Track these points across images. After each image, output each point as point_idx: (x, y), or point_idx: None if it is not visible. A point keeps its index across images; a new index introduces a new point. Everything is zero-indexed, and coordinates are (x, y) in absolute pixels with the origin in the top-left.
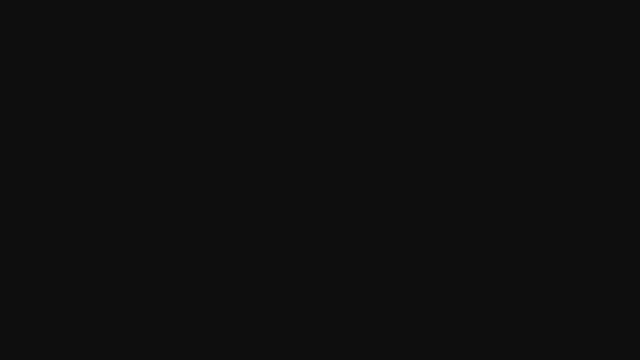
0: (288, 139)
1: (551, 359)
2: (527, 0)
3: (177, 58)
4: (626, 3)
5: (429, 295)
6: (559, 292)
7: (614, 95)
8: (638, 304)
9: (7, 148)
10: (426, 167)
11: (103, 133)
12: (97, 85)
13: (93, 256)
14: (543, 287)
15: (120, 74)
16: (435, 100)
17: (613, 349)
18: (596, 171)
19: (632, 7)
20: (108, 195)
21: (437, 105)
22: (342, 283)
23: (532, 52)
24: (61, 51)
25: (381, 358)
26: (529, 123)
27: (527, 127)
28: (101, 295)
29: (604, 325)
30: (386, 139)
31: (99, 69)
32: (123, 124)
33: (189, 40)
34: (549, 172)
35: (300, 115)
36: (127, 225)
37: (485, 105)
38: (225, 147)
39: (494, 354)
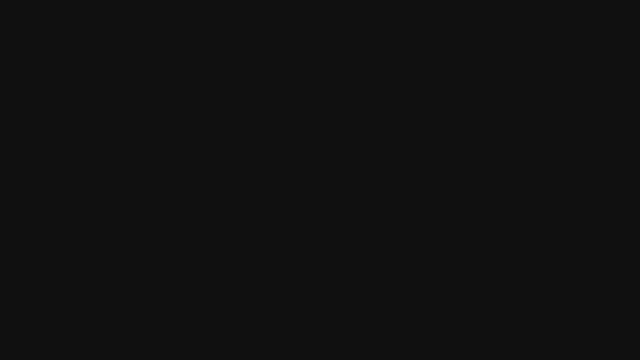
0: (288, 139)
1: (551, 359)
2: (527, 0)
3: (177, 58)
4: (626, 3)
5: (429, 295)
6: (559, 292)
7: (614, 95)
8: (639, 304)
9: (7, 148)
10: (426, 167)
11: (103, 133)
12: (97, 85)
13: (93, 256)
14: (543, 287)
15: (120, 74)
16: (435, 100)
17: (613, 349)
18: (596, 171)
19: (632, 7)
20: (108, 195)
21: (437, 105)
22: (342, 283)
23: (532, 52)
24: (61, 51)
25: (381, 358)
26: (529, 123)
27: (528, 127)
28: (101, 295)
29: (604, 325)
30: (386, 139)
31: (99, 69)
32: (123, 124)
33: (190, 40)
34: (549, 172)
35: (300, 115)
36: (127, 225)
37: (485, 105)
38: (225, 147)
39: (494, 354)
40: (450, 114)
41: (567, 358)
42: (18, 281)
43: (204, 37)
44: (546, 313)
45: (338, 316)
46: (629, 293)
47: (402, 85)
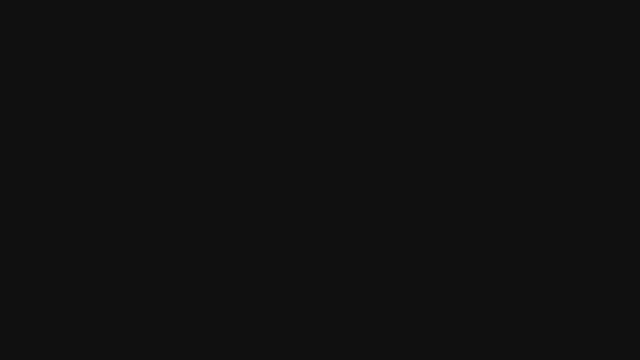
0: (288, 139)
1: (551, 359)
2: (527, 0)
3: (177, 58)
4: (626, 3)
5: (429, 295)
6: (559, 292)
7: (614, 95)
8: (639, 304)
9: (7, 148)
10: (426, 167)
11: (103, 133)
12: (97, 85)
13: (93, 256)
14: (543, 287)
15: (120, 74)
16: (435, 100)
17: (613, 349)
18: (596, 171)
19: (632, 7)
20: (108, 195)
21: (437, 105)
22: (342, 283)
23: (532, 52)
24: (61, 51)
25: (381, 358)
26: (529, 123)
27: (528, 127)
28: (101, 295)
29: (604, 325)
30: (386, 139)
31: (99, 69)
32: (123, 124)
33: (190, 40)
34: (549, 172)
35: (300, 115)
36: (127, 225)
37: (485, 105)
38: (225, 147)
39: (494, 354)
40: (450, 114)
41: (567, 358)
42: (18, 281)
43: (205, 37)
44: (546, 313)
45: (338, 316)
46: (629, 293)
47: (402, 85)
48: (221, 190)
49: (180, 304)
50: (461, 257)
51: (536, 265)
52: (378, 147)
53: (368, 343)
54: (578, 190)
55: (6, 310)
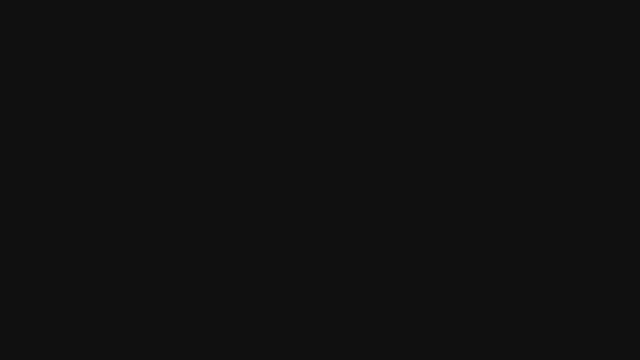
0: (288, 139)
1: (551, 359)
2: (527, 0)
3: (177, 58)
4: (626, 3)
5: (429, 295)
6: (559, 292)
7: (614, 95)
8: (639, 304)
9: (7, 148)
10: (426, 167)
11: (103, 133)
12: (97, 85)
13: (93, 256)
14: (543, 287)
15: (120, 74)
16: (435, 100)
17: (613, 349)
18: (596, 171)
19: (632, 7)
20: (108, 195)
21: (437, 105)
22: (342, 283)
23: (532, 52)
24: (61, 51)
25: (381, 358)
26: (529, 123)
27: (528, 127)
28: (101, 296)
29: (604, 325)
30: (386, 139)
31: (99, 69)
32: (123, 124)
33: (190, 40)
34: (549, 172)
35: (300, 115)
36: (127, 225)
37: (485, 105)
38: (225, 147)
39: (494, 354)
40: (450, 114)
41: (567, 358)
42: (18, 281)
43: (204, 37)
44: (546, 313)
45: (338, 316)
46: (629, 293)
47: (402, 85)
48: (221, 190)
49: (180, 304)
50: (461, 257)
51: (537, 265)
52: (377, 147)
53: (368, 343)
54: (578, 190)
55: (6, 310)
